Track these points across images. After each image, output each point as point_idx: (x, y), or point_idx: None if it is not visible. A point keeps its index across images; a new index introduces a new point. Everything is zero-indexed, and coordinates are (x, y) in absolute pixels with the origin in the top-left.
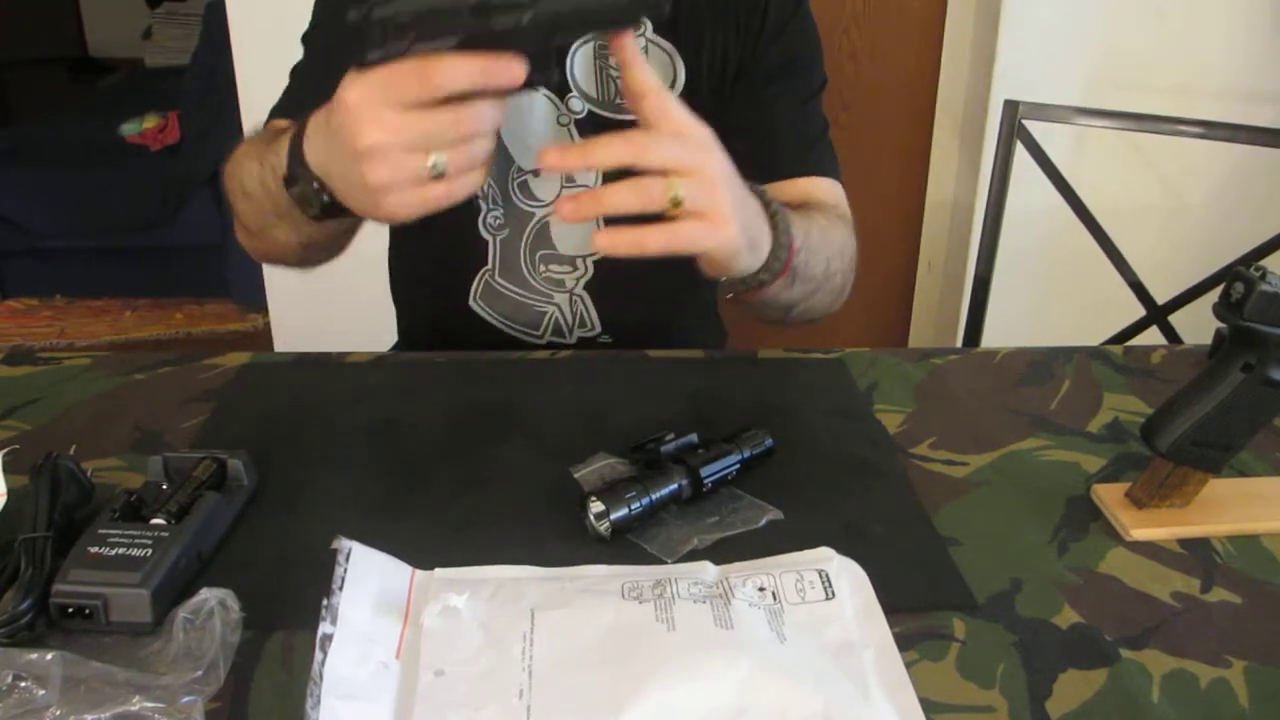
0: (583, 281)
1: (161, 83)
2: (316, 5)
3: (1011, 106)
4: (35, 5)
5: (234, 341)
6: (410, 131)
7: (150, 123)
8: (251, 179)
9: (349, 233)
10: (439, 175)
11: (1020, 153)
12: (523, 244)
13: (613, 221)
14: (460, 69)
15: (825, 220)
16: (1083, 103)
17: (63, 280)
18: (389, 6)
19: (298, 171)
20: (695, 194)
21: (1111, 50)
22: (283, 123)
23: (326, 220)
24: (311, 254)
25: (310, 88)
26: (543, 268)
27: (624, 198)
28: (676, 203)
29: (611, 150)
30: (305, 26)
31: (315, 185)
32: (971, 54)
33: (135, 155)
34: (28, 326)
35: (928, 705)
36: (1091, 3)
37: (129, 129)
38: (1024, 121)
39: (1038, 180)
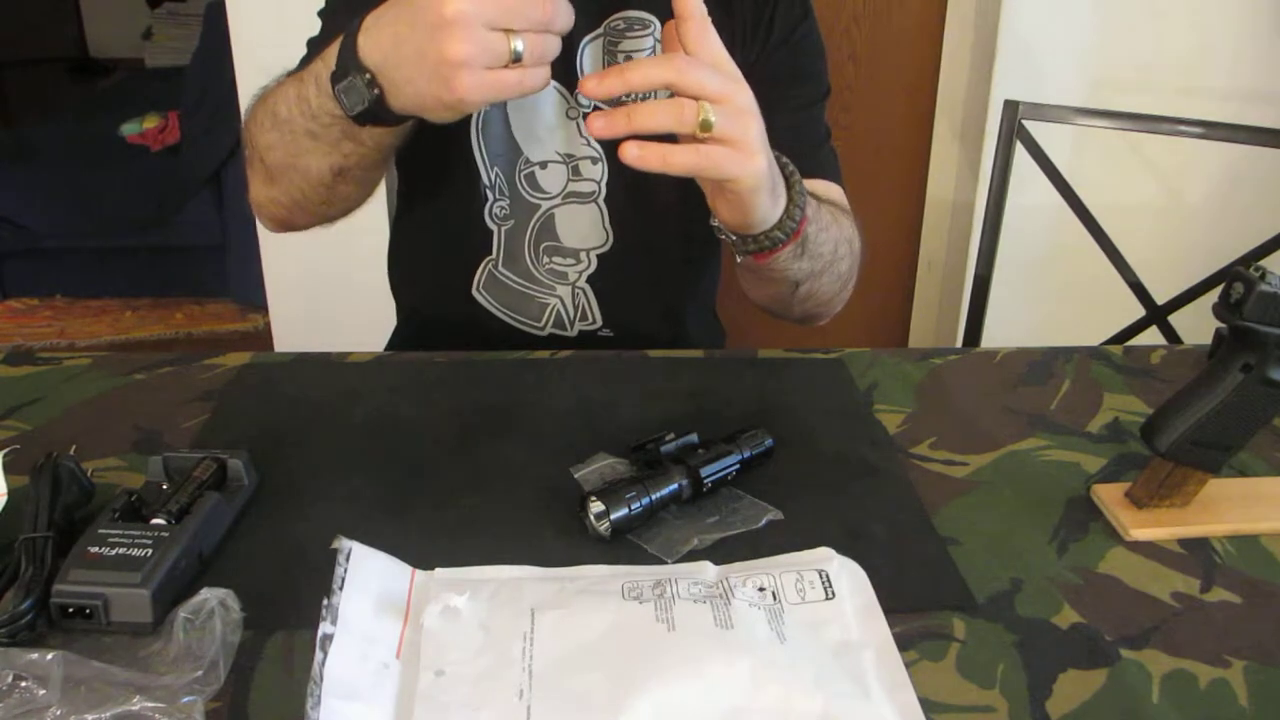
0: (585, 274)
1: (161, 83)
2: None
3: (1011, 106)
4: (35, 5)
5: (234, 341)
6: (497, 5)
7: (150, 123)
8: (286, 100)
9: (381, 164)
10: (516, 59)
11: (1020, 153)
12: (527, 235)
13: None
14: None
15: (832, 208)
16: (1083, 103)
17: (63, 280)
18: None
19: (349, 65)
20: (725, 121)
21: (1111, 50)
22: None
23: (367, 128)
24: (341, 187)
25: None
26: (546, 259)
27: (655, 115)
28: (707, 126)
29: (649, 72)
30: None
31: (367, 77)
32: (971, 54)
33: (135, 155)
34: (28, 326)
35: (928, 705)
36: (1091, 3)
37: (129, 129)
38: (1024, 121)
39: (1038, 180)
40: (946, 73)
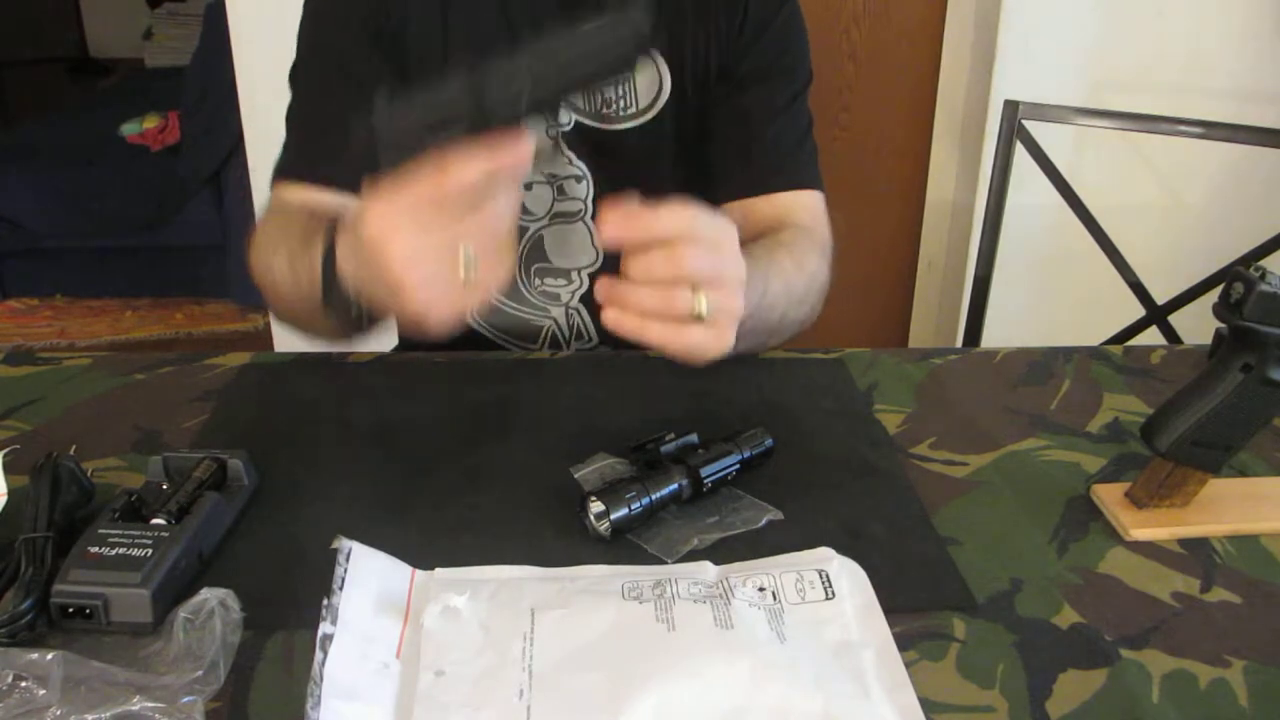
0: (578, 294)
1: (161, 83)
2: (301, 38)
3: (1011, 106)
4: (35, 5)
5: (234, 341)
6: (436, 240)
7: (150, 123)
8: (284, 281)
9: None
10: (472, 277)
11: (1020, 153)
12: (517, 258)
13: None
14: (469, 166)
15: (791, 262)
16: (1083, 103)
17: (63, 280)
18: (391, 123)
19: (333, 291)
20: (715, 307)
21: (1111, 50)
22: (295, 191)
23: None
24: (357, 339)
25: (312, 136)
26: (538, 281)
27: (650, 303)
28: (699, 318)
29: (656, 269)
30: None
31: (354, 304)
32: (971, 54)
33: (135, 155)
34: (28, 326)
35: (928, 705)
36: (1091, 3)
37: (129, 129)
38: (1024, 121)
39: (1038, 180)
40: (946, 73)
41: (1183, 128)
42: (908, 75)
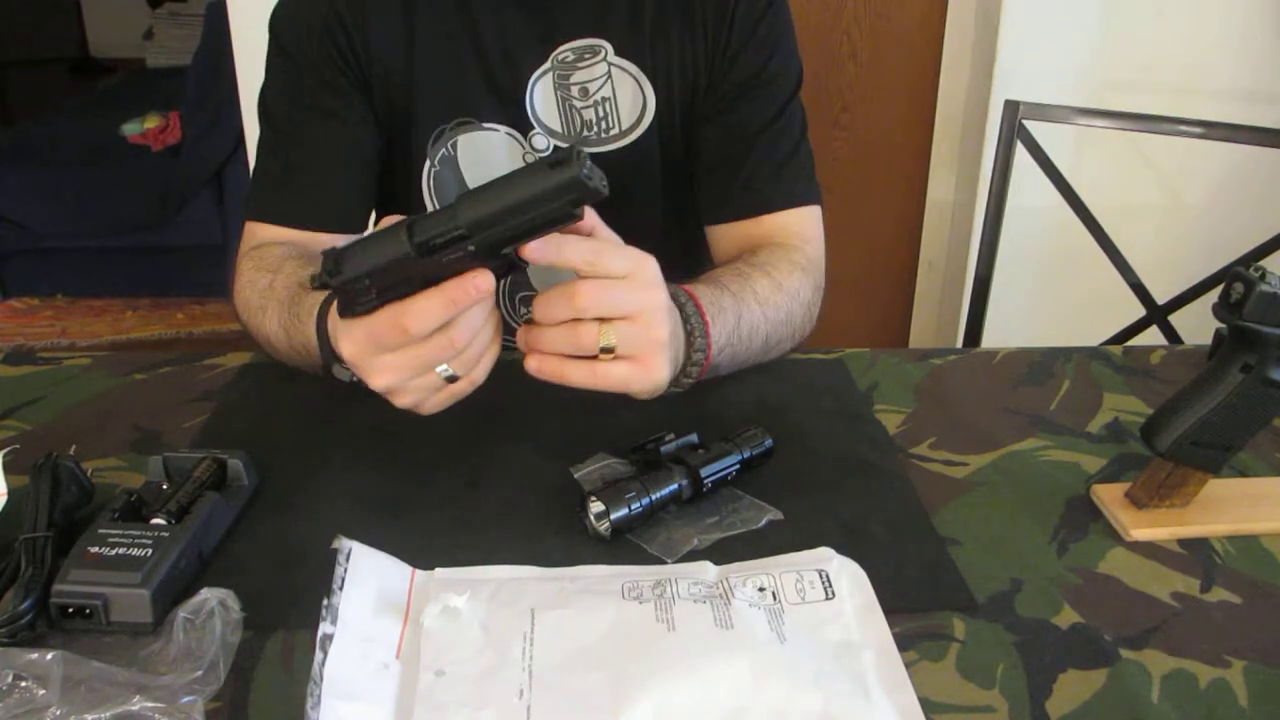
0: None
1: (163, 83)
2: (269, 65)
3: (1011, 106)
4: (36, 5)
5: (234, 341)
6: (411, 365)
7: (151, 123)
8: (280, 343)
9: None
10: (454, 378)
11: (1020, 153)
12: (501, 287)
13: None
14: (430, 310)
15: (769, 283)
16: (1083, 103)
17: (64, 280)
18: (342, 273)
19: (333, 363)
20: (631, 339)
21: (1111, 50)
22: (270, 231)
23: None
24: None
25: (282, 175)
26: (523, 310)
27: (557, 343)
28: (608, 350)
29: (554, 310)
30: None
31: (354, 377)
32: (971, 54)
33: (136, 155)
34: (29, 326)
35: (928, 705)
36: (1091, 3)
37: (130, 129)
38: (1024, 121)
39: (1038, 180)
40: (947, 73)
41: (1183, 128)
42: (908, 75)
